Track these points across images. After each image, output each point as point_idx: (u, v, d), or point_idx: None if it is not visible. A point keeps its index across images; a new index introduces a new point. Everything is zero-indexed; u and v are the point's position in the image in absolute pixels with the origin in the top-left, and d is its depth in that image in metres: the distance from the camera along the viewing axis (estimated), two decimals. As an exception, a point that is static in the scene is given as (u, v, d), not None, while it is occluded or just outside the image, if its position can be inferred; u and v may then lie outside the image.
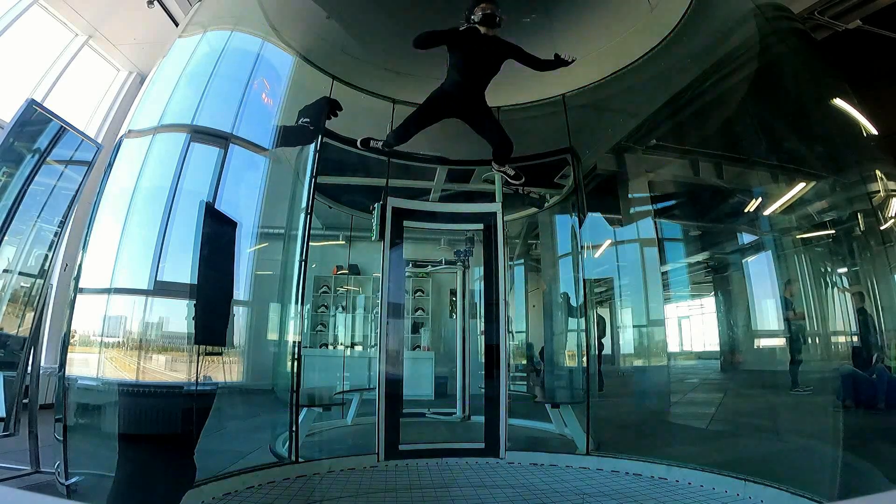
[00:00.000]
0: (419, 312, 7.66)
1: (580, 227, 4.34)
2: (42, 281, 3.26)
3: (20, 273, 3.26)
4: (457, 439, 4.19)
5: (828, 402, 3.43)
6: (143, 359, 2.69)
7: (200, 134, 3.24)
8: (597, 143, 4.86)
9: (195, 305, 2.73)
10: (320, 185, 3.93)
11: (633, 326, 5.46)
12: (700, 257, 5.73)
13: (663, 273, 5.35)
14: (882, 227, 3.33)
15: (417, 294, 7.69)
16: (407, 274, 5.74)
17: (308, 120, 3.78)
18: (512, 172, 3.57)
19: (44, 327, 3.22)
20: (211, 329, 2.83)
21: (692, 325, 5.60)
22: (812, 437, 3.24)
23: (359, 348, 7.19)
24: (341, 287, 7.32)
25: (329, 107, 3.83)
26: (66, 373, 2.68)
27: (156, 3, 5.60)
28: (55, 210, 3.31)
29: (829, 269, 4.00)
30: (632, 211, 5.16)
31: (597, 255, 5.33)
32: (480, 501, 2.71)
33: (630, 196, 5.10)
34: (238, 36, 3.89)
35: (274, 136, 3.76)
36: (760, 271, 4.68)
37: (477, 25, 3.12)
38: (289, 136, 3.86)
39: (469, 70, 3.23)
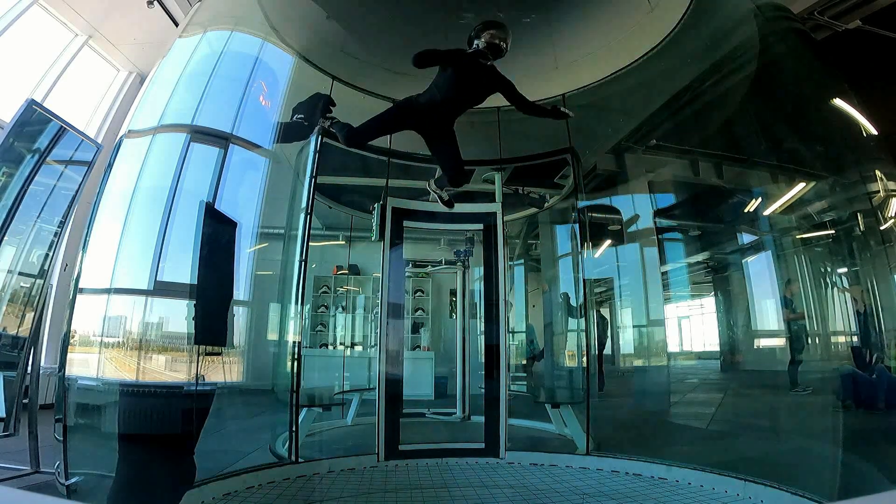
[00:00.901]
0: (419, 312, 7.66)
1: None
2: (42, 281, 3.26)
3: (20, 273, 3.26)
4: (457, 439, 4.19)
5: (828, 403, 3.43)
6: (143, 359, 2.69)
7: (200, 134, 3.24)
8: (597, 143, 4.86)
9: (195, 305, 2.73)
10: (320, 185, 3.93)
11: (633, 326, 5.46)
12: (700, 257, 5.73)
13: (663, 273, 5.35)
14: (882, 227, 3.32)
15: (417, 294, 7.69)
16: (407, 274, 5.73)
17: (302, 116, 3.77)
18: (446, 198, 3.49)
19: (44, 327, 3.22)
20: (211, 329, 2.83)
21: (692, 326, 5.60)
22: (812, 437, 3.24)
23: (359, 348, 7.19)
24: (341, 287, 7.31)
25: (322, 103, 3.81)
26: (66, 373, 2.68)
27: (156, 3, 5.60)
28: (55, 210, 3.31)
29: (829, 269, 4.00)
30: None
31: (597, 255, 5.33)
32: (480, 501, 2.70)
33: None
34: (238, 36, 3.89)
35: (274, 137, 3.77)
36: (760, 271, 4.68)
37: (481, 51, 2.98)
38: (285, 133, 3.86)
39: (453, 93, 3.04)
